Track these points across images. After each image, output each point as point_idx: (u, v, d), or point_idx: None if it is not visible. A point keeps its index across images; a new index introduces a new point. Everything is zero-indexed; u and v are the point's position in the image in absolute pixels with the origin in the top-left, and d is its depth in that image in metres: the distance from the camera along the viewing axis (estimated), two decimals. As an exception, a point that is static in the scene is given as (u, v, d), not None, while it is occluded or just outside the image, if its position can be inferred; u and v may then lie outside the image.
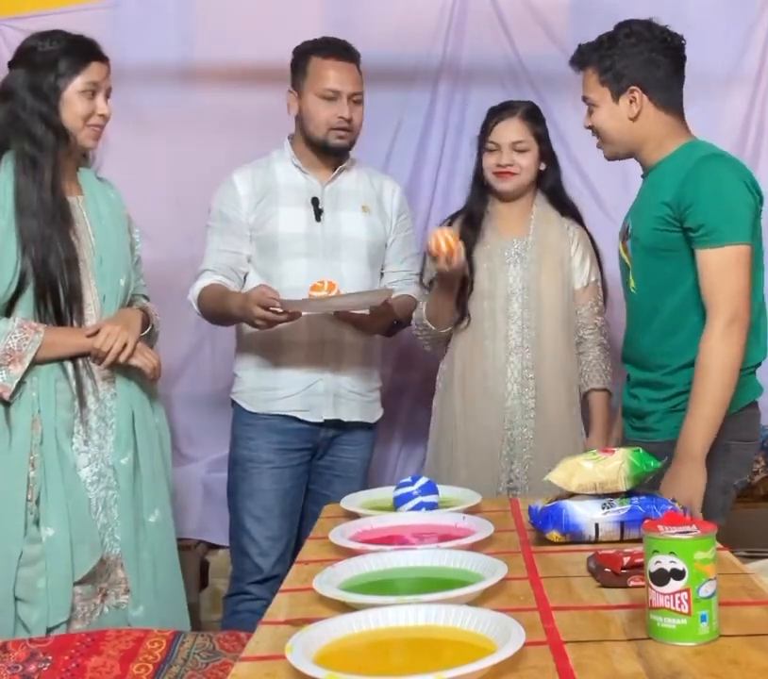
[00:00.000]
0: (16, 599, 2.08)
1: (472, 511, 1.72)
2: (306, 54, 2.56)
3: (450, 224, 2.71)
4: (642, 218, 2.18)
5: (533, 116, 2.66)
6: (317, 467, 2.63)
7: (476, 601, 1.29)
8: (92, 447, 2.17)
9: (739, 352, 2.02)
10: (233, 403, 2.65)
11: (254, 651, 1.21)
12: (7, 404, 2.11)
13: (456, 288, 2.54)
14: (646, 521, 1.25)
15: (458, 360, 2.64)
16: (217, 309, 2.52)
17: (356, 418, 2.61)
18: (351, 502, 1.82)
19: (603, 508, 1.57)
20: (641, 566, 1.25)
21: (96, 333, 2.14)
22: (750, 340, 2.09)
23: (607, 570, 1.37)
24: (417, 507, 1.72)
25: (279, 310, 2.32)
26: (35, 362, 2.11)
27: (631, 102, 2.14)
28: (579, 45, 2.22)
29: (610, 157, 2.26)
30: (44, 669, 1.74)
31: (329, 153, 2.58)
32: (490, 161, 2.64)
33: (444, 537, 1.56)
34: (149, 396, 2.31)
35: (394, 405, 3.13)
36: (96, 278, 2.21)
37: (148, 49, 3.10)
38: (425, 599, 1.23)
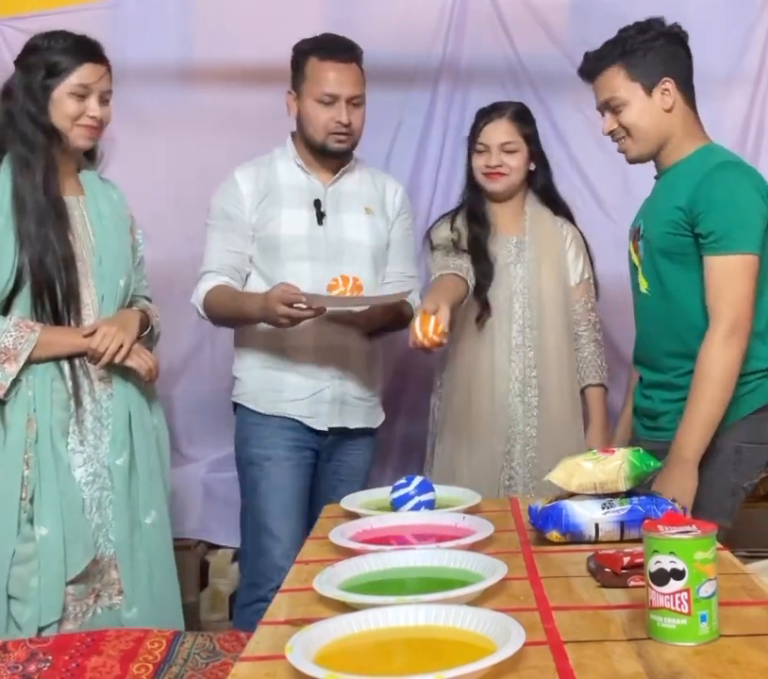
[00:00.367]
0: (9, 597, 2.08)
1: (472, 511, 1.72)
2: (304, 54, 2.50)
3: (452, 223, 2.71)
4: (654, 220, 2.17)
5: (522, 117, 2.68)
6: (323, 471, 2.58)
7: (476, 601, 1.29)
8: (88, 447, 2.17)
9: (738, 359, 2.03)
10: (236, 406, 2.60)
11: (254, 651, 1.21)
12: (2, 402, 2.12)
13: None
14: (646, 521, 1.25)
15: (460, 361, 2.65)
16: (230, 312, 2.46)
17: (360, 424, 2.58)
18: (351, 502, 1.82)
19: (603, 508, 1.57)
20: (641, 566, 1.25)
21: (93, 333, 2.14)
22: (759, 344, 2.10)
23: (607, 570, 1.37)
24: (416, 507, 1.72)
25: (303, 306, 2.24)
26: (31, 361, 2.11)
27: (664, 94, 2.13)
28: (588, 53, 2.20)
29: (634, 160, 2.23)
30: (44, 669, 1.74)
31: (329, 156, 2.53)
32: (479, 162, 2.67)
33: (444, 537, 1.56)
34: (147, 397, 2.30)
35: (394, 407, 3.13)
36: (95, 278, 2.21)
37: (148, 49, 3.10)
38: (425, 599, 1.23)
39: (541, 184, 2.73)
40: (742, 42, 3.14)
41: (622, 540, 1.56)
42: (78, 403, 2.16)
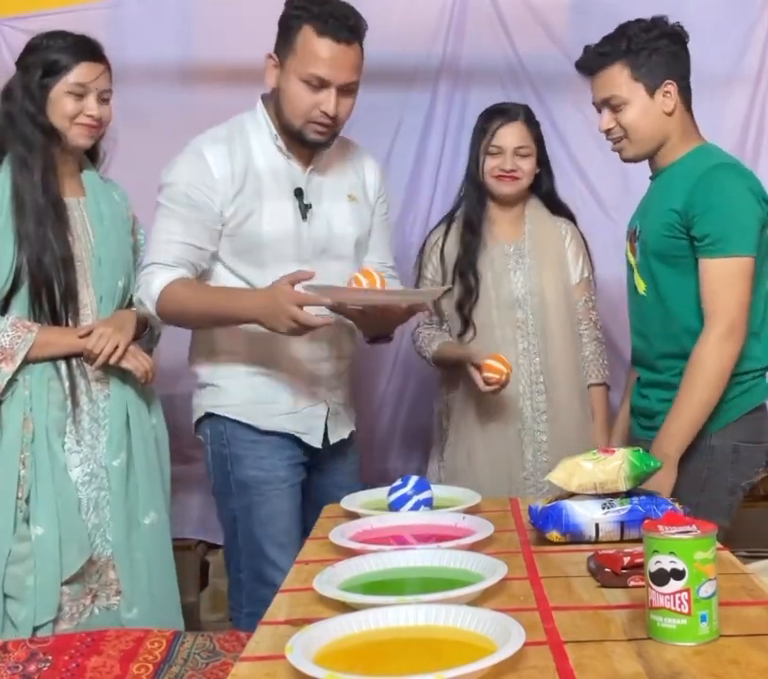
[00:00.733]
0: (5, 596, 2.08)
1: (472, 511, 1.72)
2: (298, 19, 2.09)
3: (447, 230, 2.71)
4: (650, 222, 2.17)
5: (532, 120, 2.67)
6: (320, 484, 2.33)
7: (476, 601, 1.29)
8: (85, 447, 2.17)
9: (730, 362, 2.03)
10: (211, 418, 2.27)
11: (254, 651, 1.21)
12: (-2, 401, 2.12)
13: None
14: (646, 521, 1.25)
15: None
16: (205, 308, 2.11)
17: (350, 429, 2.39)
18: (351, 502, 1.82)
19: (603, 508, 1.57)
20: (641, 566, 1.25)
21: (89, 333, 2.14)
22: (755, 344, 2.11)
23: (607, 570, 1.37)
24: (415, 506, 1.72)
25: (315, 316, 1.93)
26: (27, 361, 2.12)
27: (665, 96, 2.12)
28: (588, 47, 2.18)
29: (630, 159, 2.22)
30: (44, 669, 1.74)
31: (304, 144, 2.18)
32: (491, 165, 2.63)
33: (444, 537, 1.56)
34: (145, 398, 2.31)
35: (394, 408, 3.14)
36: (94, 279, 2.22)
37: (148, 49, 3.09)
38: (425, 599, 1.23)
39: (545, 188, 2.72)
40: (742, 42, 3.14)
41: (622, 540, 1.56)
42: (75, 403, 2.16)
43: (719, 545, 1.25)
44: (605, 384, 2.71)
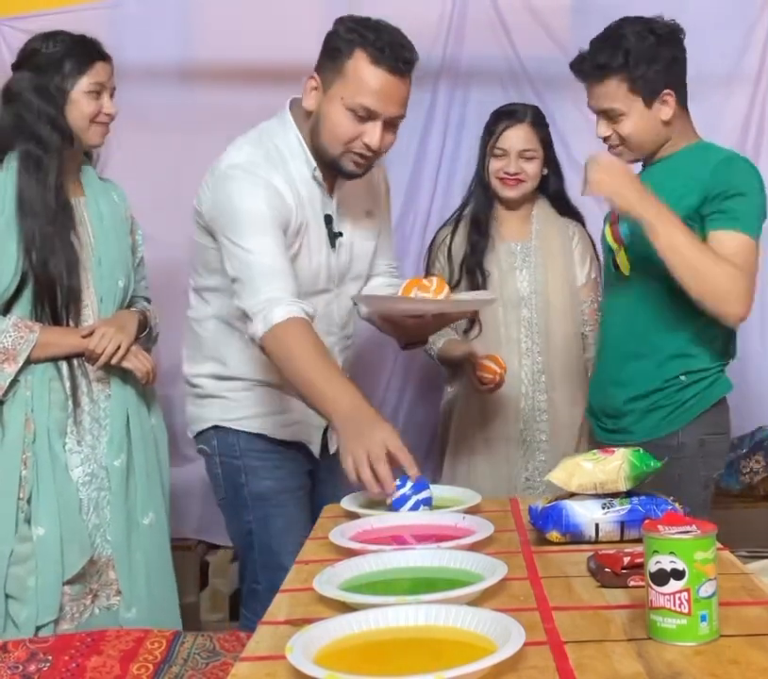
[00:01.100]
0: (6, 596, 2.09)
1: (472, 511, 1.72)
2: (351, 44, 1.95)
3: (455, 229, 2.70)
4: None
5: (540, 122, 2.67)
6: (324, 493, 2.23)
7: (476, 601, 1.29)
8: (85, 447, 2.17)
9: (724, 282, 1.98)
10: (218, 430, 2.20)
11: (254, 651, 1.21)
12: (0, 402, 2.12)
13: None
14: (646, 521, 1.25)
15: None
16: (295, 381, 1.86)
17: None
18: (351, 502, 1.82)
19: (603, 508, 1.57)
20: (641, 566, 1.25)
21: (91, 334, 2.14)
22: (724, 342, 2.14)
23: (607, 570, 1.37)
24: (415, 506, 1.71)
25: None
26: (29, 361, 2.12)
27: (663, 104, 2.12)
28: (585, 55, 2.16)
29: (632, 162, 2.23)
30: (44, 669, 1.74)
31: (336, 172, 2.07)
32: (496, 166, 2.64)
33: (444, 537, 1.56)
34: (146, 398, 2.31)
35: (394, 407, 3.14)
36: (94, 279, 2.22)
37: (148, 49, 3.10)
38: (425, 599, 1.23)
39: (553, 189, 2.72)
40: (742, 42, 3.15)
41: (622, 540, 1.56)
42: (76, 403, 2.16)
43: (719, 545, 1.25)
44: None
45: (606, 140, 2.20)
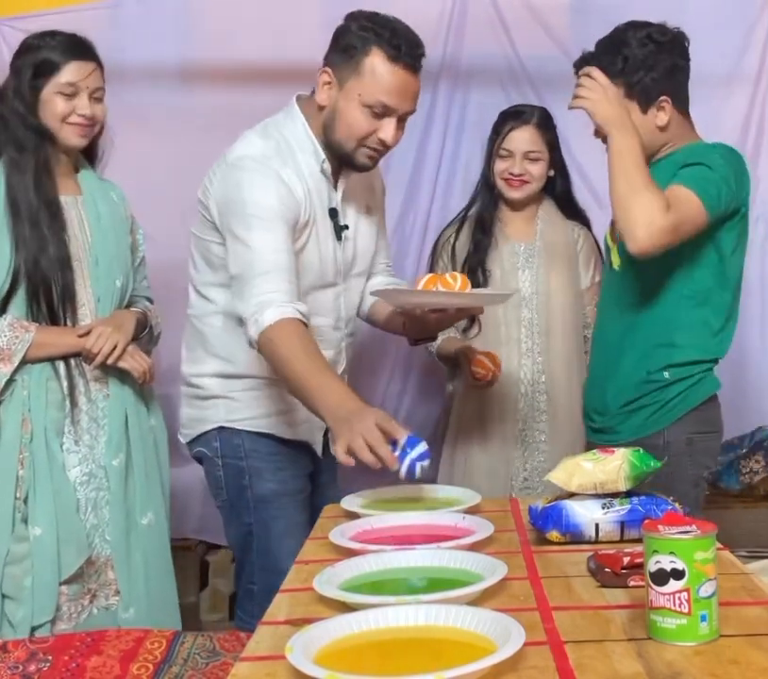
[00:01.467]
0: (3, 596, 2.09)
1: (472, 511, 1.72)
2: (367, 41, 1.99)
3: (460, 228, 2.71)
4: None
5: (546, 124, 2.67)
6: (324, 496, 2.21)
7: (476, 601, 1.29)
8: (83, 447, 2.17)
9: (647, 214, 1.96)
10: (222, 431, 2.18)
11: (254, 651, 1.21)
12: (-4, 402, 2.12)
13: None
14: (646, 521, 1.25)
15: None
16: (290, 379, 1.89)
17: None
18: (351, 502, 1.82)
19: (603, 508, 1.57)
20: (641, 566, 1.25)
21: (88, 333, 2.14)
22: (710, 338, 2.13)
23: (607, 570, 1.37)
24: (411, 467, 1.68)
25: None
26: (26, 361, 2.12)
27: (660, 111, 2.13)
28: (585, 57, 2.18)
29: None
30: (44, 669, 1.74)
31: (348, 166, 2.12)
32: (501, 167, 2.64)
33: (444, 537, 1.56)
34: (144, 398, 2.31)
35: (394, 408, 3.14)
36: (91, 279, 2.22)
37: (148, 49, 3.09)
38: (425, 599, 1.23)
39: (559, 191, 2.72)
40: (742, 42, 3.14)
41: (622, 540, 1.56)
42: (73, 403, 2.16)
43: (719, 545, 1.25)
44: None
45: (604, 141, 2.20)
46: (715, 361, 2.18)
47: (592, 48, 2.20)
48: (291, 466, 2.19)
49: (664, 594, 1.15)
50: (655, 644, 1.15)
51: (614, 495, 1.59)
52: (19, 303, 2.14)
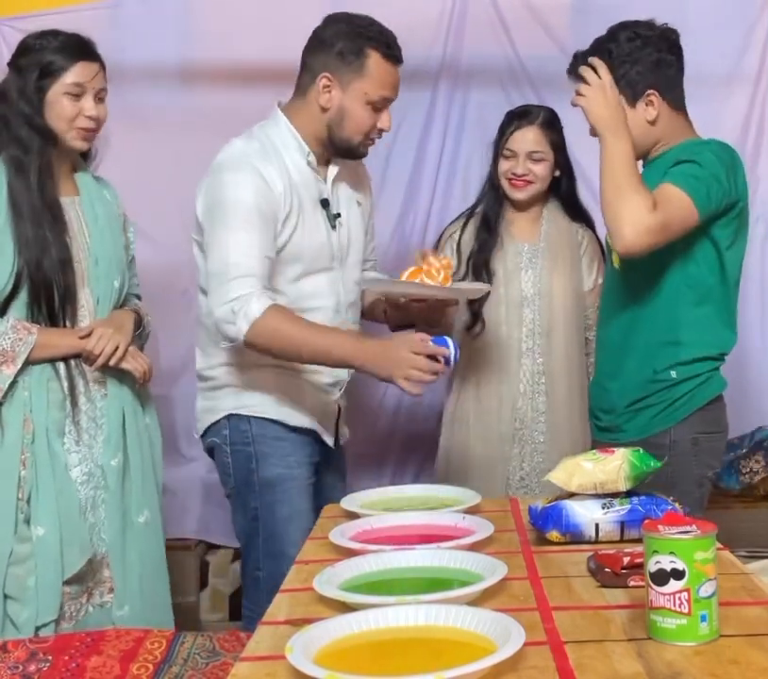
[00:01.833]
0: (6, 597, 2.08)
1: (472, 511, 1.72)
2: (364, 45, 2.18)
3: (463, 228, 2.71)
4: None
5: (551, 124, 2.66)
6: (323, 483, 2.33)
7: (476, 601, 1.29)
8: (83, 447, 2.17)
9: (635, 216, 1.98)
10: (232, 418, 2.26)
11: (254, 651, 1.21)
12: (-1, 403, 2.12)
13: None
14: (646, 521, 1.25)
15: (471, 365, 2.66)
16: (305, 347, 2.04)
17: (348, 435, 2.45)
18: (351, 502, 1.82)
19: (603, 508, 1.57)
20: (641, 566, 1.25)
21: (89, 334, 2.14)
22: (716, 329, 2.13)
23: (607, 570, 1.37)
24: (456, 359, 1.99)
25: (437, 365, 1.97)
26: (28, 362, 2.11)
27: (648, 105, 2.13)
28: (577, 55, 2.20)
29: None
30: (44, 669, 1.74)
31: (345, 156, 2.29)
32: (505, 167, 2.65)
33: (444, 537, 1.56)
34: (140, 397, 2.31)
35: (394, 408, 3.14)
36: (91, 279, 2.21)
37: (148, 49, 3.09)
38: (425, 599, 1.23)
39: (564, 192, 2.72)
40: (742, 42, 3.14)
41: (622, 540, 1.56)
42: (74, 403, 2.16)
43: (719, 545, 1.25)
44: None
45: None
46: (722, 358, 2.18)
47: None
48: (296, 452, 2.24)
49: (664, 594, 1.15)
50: (655, 644, 1.15)
51: (614, 495, 1.59)
52: (19, 304, 2.13)
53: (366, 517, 1.70)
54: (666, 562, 1.15)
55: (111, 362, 2.16)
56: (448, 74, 3.17)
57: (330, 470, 2.39)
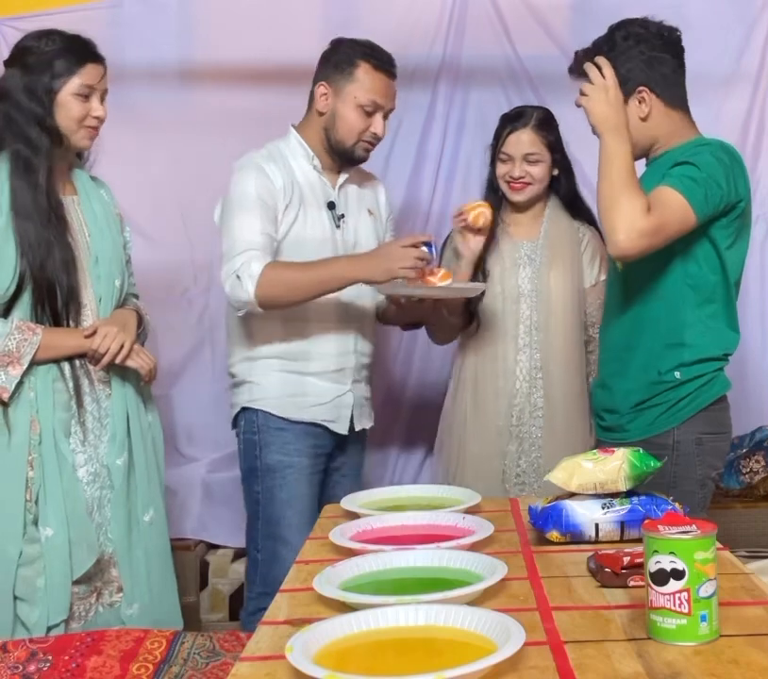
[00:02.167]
0: (16, 598, 2.08)
1: (472, 511, 1.72)
2: (355, 56, 2.46)
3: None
4: None
5: (546, 125, 2.66)
6: (326, 470, 2.56)
7: (476, 601, 1.29)
8: (89, 447, 2.17)
9: (630, 217, 1.97)
10: (246, 411, 2.49)
11: (254, 651, 1.21)
12: (4, 404, 2.12)
13: (457, 318, 2.64)
14: (646, 521, 1.25)
15: (469, 361, 2.68)
16: (309, 279, 2.31)
17: (369, 425, 2.61)
18: (351, 502, 1.82)
19: (603, 508, 1.57)
20: (641, 566, 1.25)
21: (93, 334, 2.14)
22: (720, 329, 2.12)
23: (607, 570, 1.37)
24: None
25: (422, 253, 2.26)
26: (33, 363, 2.11)
27: (640, 102, 2.14)
28: (576, 53, 2.21)
29: None
30: (44, 669, 1.74)
31: (347, 161, 2.51)
32: (502, 171, 2.65)
33: (444, 537, 1.56)
34: (143, 396, 2.31)
35: (394, 409, 3.14)
36: (92, 279, 2.22)
37: (148, 49, 3.10)
38: (425, 599, 1.23)
39: (565, 191, 2.72)
40: (742, 42, 3.14)
41: (622, 540, 1.56)
42: (79, 403, 2.16)
43: (719, 545, 1.25)
44: None
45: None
46: (725, 358, 2.17)
47: None
48: (296, 441, 2.46)
49: (664, 594, 1.15)
50: (655, 644, 1.15)
51: (614, 495, 1.59)
52: (23, 305, 2.13)
53: (366, 517, 1.70)
54: (666, 562, 1.15)
55: (117, 360, 2.16)
56: (448, 74, 3.17)
57: (346, 457, 2.59)
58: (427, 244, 2.28)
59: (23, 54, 2.18)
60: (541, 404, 2.63)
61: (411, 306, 2.54)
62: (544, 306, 2.64)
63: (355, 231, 2.54)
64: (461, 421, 2.68)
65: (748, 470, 3.12)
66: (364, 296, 2.52)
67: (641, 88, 2.13)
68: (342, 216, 2.51)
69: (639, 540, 1.27)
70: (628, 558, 1.36)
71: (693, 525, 1.18)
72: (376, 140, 2.49)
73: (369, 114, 2.44)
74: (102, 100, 2.22)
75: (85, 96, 2.17)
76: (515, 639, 1.08)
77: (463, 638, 1.14)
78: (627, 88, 2.13)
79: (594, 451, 1.65)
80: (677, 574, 1.14)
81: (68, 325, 2.17)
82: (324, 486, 2.56)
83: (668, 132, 2.16)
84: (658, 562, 1.15)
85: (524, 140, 2.62)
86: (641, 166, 2.28)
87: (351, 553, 1.50)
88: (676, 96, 2.17)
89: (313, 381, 2.47)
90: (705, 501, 2.15)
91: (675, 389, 2.12)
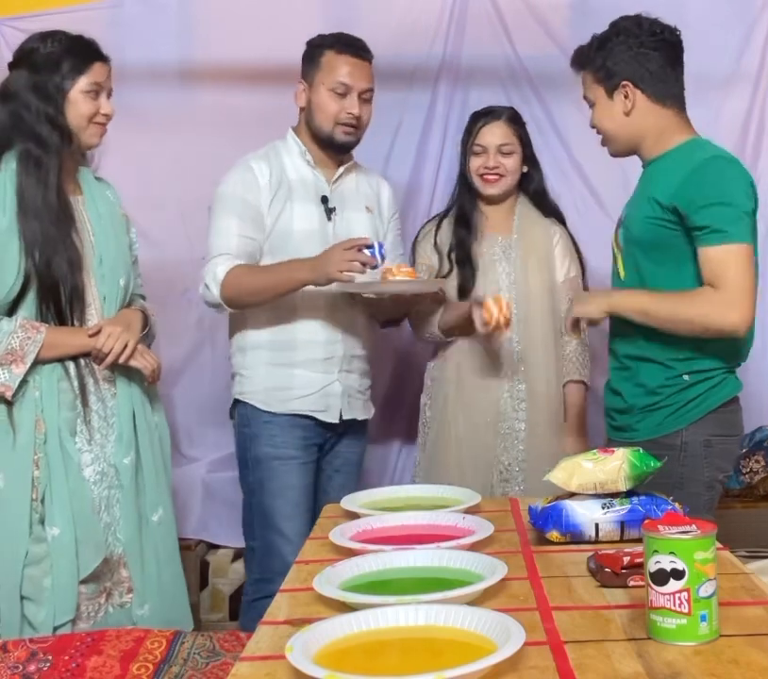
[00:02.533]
0: (22, 598, 2.08)
1: (472, 511, 1.72)
2: (321, 47, 2.53)
3: (438, 229, 2.76)
4: (634, 210, 2.19)
5: (516, 120, 2.74)
6: (320, 463, 2.61)
7: (476, 601, 1.29)
8: (95, 446, 2.17)
9: (717, 324, 2.01)
10: (238, 403, 2.58)
11: (254, 651, 1.21)
12: (9, 403, 2.11)
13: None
14: (646, 521, 1.25)
15: (451, 356, 2.70)
16: (265, 282, 2.41)
17: (362, 416, 2.63)
18: (351, 502, 1.82)
19: (603, 508, 1.57)
20: (641, 566, 1.25)
21: (98, 333, 2.14)
22: (730, 342, 2.11)
23: (607, 570, 1.37)
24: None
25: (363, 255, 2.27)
26: (37, 362, 2.11)
27: (625, 97, 2.16)
28: (579, 46, 2.24)
29: (614, 155, 2.27)
30: (44, 669, 1.74)
31: (334, 148, 2.55)
32: (476, 163, 2.71)
33: (444, 537, 1.56)
34: (149, 396, 2.31)
35: (394, 405, 3.14)
36: (96, 278, 2.22)
37: (148, 49, 3.10)
38: (425, 599, 1.23)
39: (533, 187, 2.76)
40: (742, 42, 3.15)
41: (622, 540, 1.56)
42: (85, 403, 2.16)
43: (719, 545, 1.25)
44: (583, 382, 2.75)
45: (596, 130, 2.26)
46: (737, 364, 2.18)
47: None
48: (283, 433, 2.52)
49: (664, 594, 1.15)
50: (655, 644, 1.15)
51: (614, 495, 1.59)
52: (28, 304, 2.13)
53: (366, 517, 1.70)
54: (666, 562, 1.15)
55: (120, 360, 2.17)
56: (448, 74, 3.17)
57: (341, 450, 2.63)
58: (370, 247, 2.28)
59: (29, 55, 2.19)
60: (523, 396, 2.66)
61: (377, 304, 2.59)
62: (524, 301, 2.69)
63: (348, 225, 2.56)
64: (446, 418, 2.69)
65: (748, 470, 3.12)
66: None
67: (624, 82, 2.15)
68: (333, 209, 2.55)
69: (639, 540, 1.27)
70: (628, 558, 1.36)
71: (693, 525, 1.18)
72: (356, 121, 2.51)
73: (341, 96, 2.49)
74: (109, 98, 2.24)
75: (94, 94, 2.19)
76: (515, 639, 1.08)
77: (463, 638, 1.14)
78: (613, 81, 2.16)
79: (594, 451, 1.65)
80: (677, 574, 1.14)
81: (72, 324, 2.17)
82: (318, 478, 2.60)
83: (657, 129, 2.16)
84: (658, 562, 1.15)
85: (497, 132, 2.69)
86: (634, 163, 2.28)
87: (351, 553, 1.51)
88: (664, 93, 2.16)
89: (300, 372, 2.52)
90: (711, 503, 2.14)
91: (684, 390, 2.11)
